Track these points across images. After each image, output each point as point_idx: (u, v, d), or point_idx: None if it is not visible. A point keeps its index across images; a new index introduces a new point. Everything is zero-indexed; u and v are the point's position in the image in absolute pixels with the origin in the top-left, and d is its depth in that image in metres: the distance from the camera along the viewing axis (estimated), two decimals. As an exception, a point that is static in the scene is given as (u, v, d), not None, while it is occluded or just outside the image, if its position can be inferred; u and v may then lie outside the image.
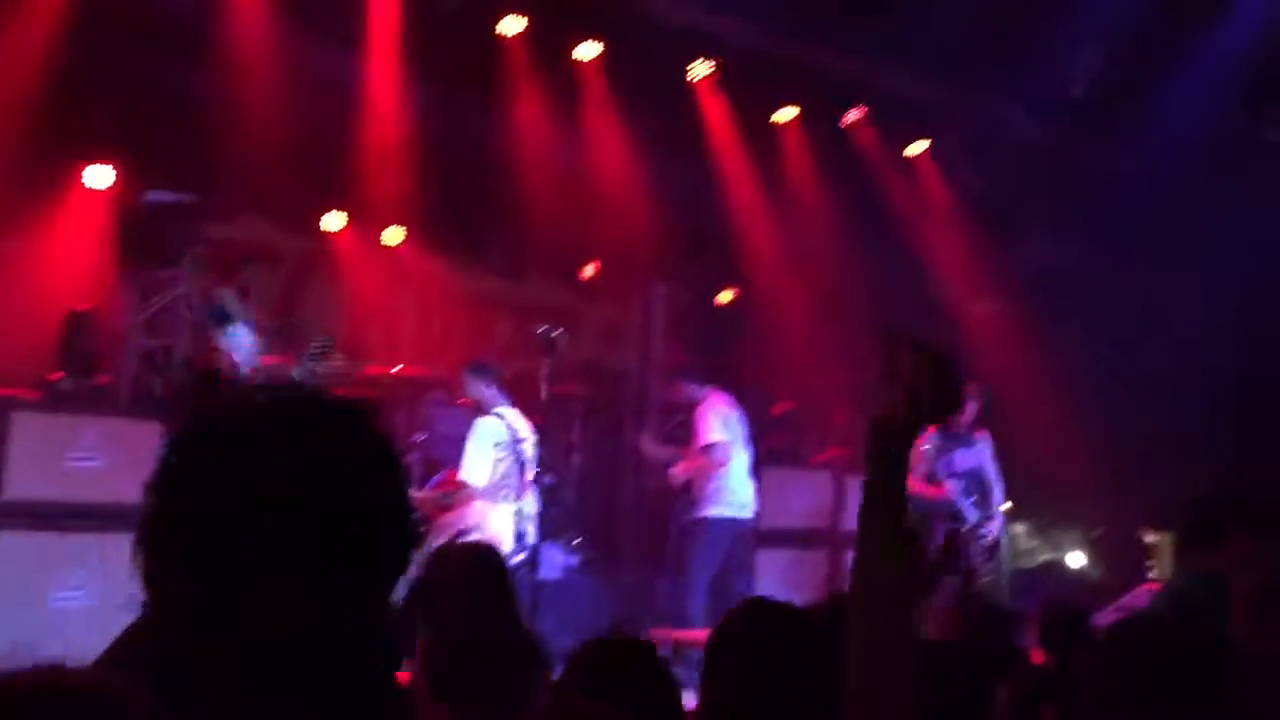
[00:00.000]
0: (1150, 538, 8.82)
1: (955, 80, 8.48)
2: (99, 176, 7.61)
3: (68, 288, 7.36)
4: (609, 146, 8.53)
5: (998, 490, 7.58)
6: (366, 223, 8.86)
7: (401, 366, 8.19)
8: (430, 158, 8.03)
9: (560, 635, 6.20)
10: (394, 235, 9.04)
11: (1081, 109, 8.48)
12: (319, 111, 7.57)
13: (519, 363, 7.83)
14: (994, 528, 7.53)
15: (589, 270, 9.81)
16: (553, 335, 5.96)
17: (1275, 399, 8.72)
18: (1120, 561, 9.15)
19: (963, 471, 7.55)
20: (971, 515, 7.42)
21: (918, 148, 9.30)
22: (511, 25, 7.92)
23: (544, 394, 5.95)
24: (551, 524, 6.92)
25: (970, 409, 7.55)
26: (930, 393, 1.59)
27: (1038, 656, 4.08)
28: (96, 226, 7.60)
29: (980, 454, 7.61)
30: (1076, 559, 10.09)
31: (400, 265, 9.13)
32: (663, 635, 6.02)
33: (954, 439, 7.53)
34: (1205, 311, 9.31)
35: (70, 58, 6.66)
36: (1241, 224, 8.86)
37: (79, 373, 6.93)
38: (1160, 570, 8.12)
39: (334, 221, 8.84)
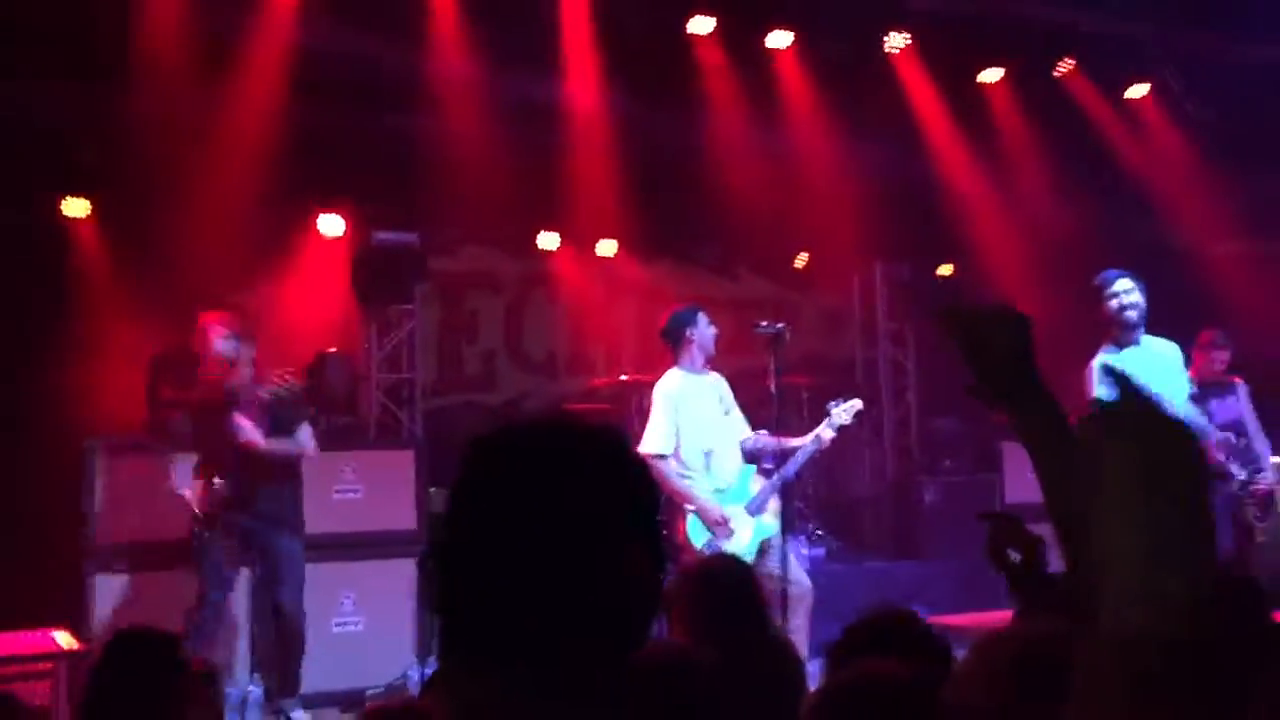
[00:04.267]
0: None
1: (1169, 13, 7.99)
2: (331, 225, 8.05)
3: (312, 330, 7.83)
4: (811, 132, 8.43)
5: (1261, 441, 7.06)
6: (579, 238, 9.06)
7: (626, 376, 8.32)
8: (635, 167, 8.14)
9: (814, 627, 6.17)
10: (607, 248, 9.21)
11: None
12: (526, 138, 7.79)
13: (740, 359, 7.84)
14: (1266, 480, 7.02)
15: (801, 260, 9.72)
16: (776, 329, 5.91)
17: None
18: None
19: (1221, 424, 7.07)
20: (1239, 472, 6.95)
21: (1139, 90, 8.80)
22: (701, 24, 7.94)
23: (773, 388, 5.90)
24: (792, 517, 6.88)
25: (1221, 356, 7.08)
26: (979, 352, 1.59)
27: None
28: (333, 271, 8.04)
29: (1238, 404, 7.12)
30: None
31: (615, 276, 9.29)
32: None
33: (1208, 389, 7.07)
34: None
35: (295, 114, 7.07)
36: None
37: (330, 410, 7.35)
38: None
39: (549, 241, 9.07)
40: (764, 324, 5.94)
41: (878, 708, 1.76)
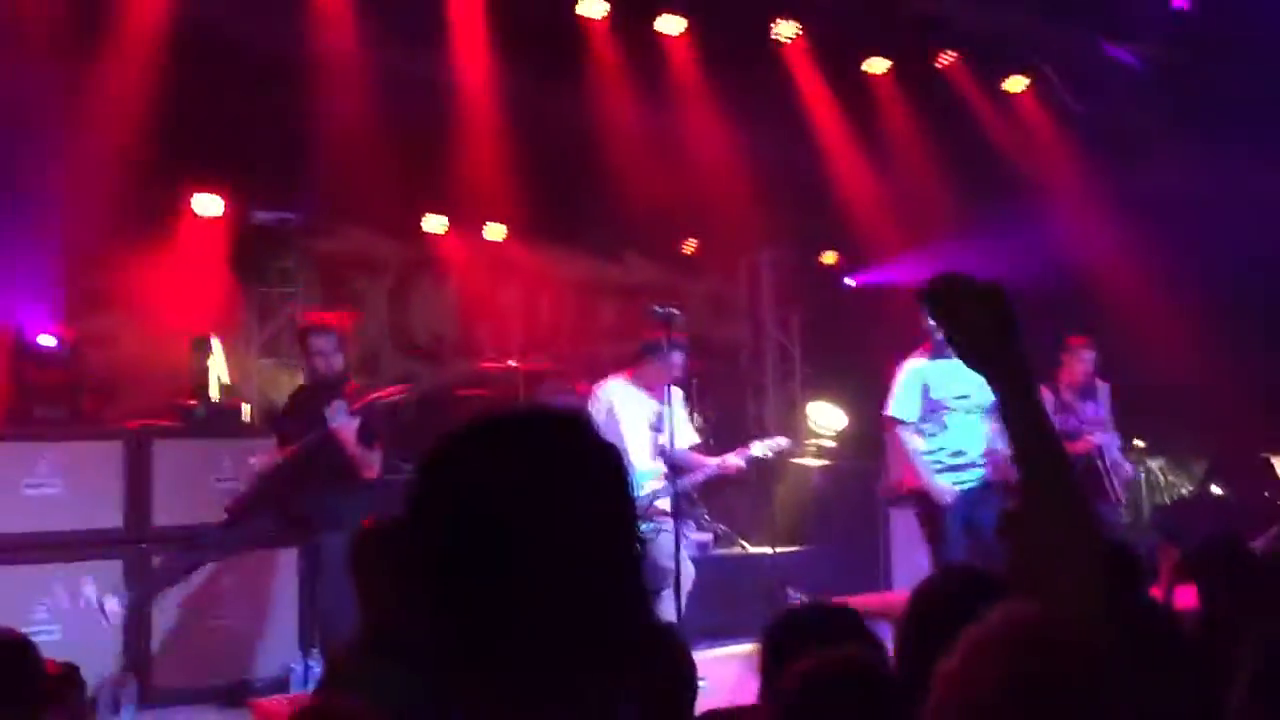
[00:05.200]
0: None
1: (1050, 10, 8.21)
2: (207, 204, 7.77)
3: (189, 314, 7.55)
4: (700, 117, 8.43)
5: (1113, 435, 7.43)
6: (466, 221, 8.92)
7: (514, 361, 8.23)
8: (523, 149, 8.03)
9: (703, 611, 6.20)
10: (494, 231, 9.08)
11: (1189, 27, 8.15)
12: (411, 116, 7.62)
13: (630, 344, 7.81)
14: (1126, 466, 7.46)
15: (689, 245, 9.74)
16: (669, 312, 5.93)
17: None
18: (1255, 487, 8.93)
19: (1090, 422, 7.39)
20: (1112, 454, 7.28)
21: (1017, 84, 9.03)
22: (592, 7, 7.87)
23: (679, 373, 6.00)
24: (683, 504, 6.90)
25: (1088, 358, 7.33)
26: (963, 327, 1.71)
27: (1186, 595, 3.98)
28: (210, 252, 7.76)
29: (1102, 405, 7.43)
30: (1219, 488, 9.82)
31: (503, 260, 9.18)
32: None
33: (1076, 393, 7.34)
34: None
35: (168, 91, 6.79)
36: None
37: (209, 396, 7.09)
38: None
39: (435, 223, 8.91)
40: (658, 308, 5.96)
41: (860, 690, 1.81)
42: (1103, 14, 8.31)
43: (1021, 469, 1.64)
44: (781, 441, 6.33)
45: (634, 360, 6.17)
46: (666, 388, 6.01)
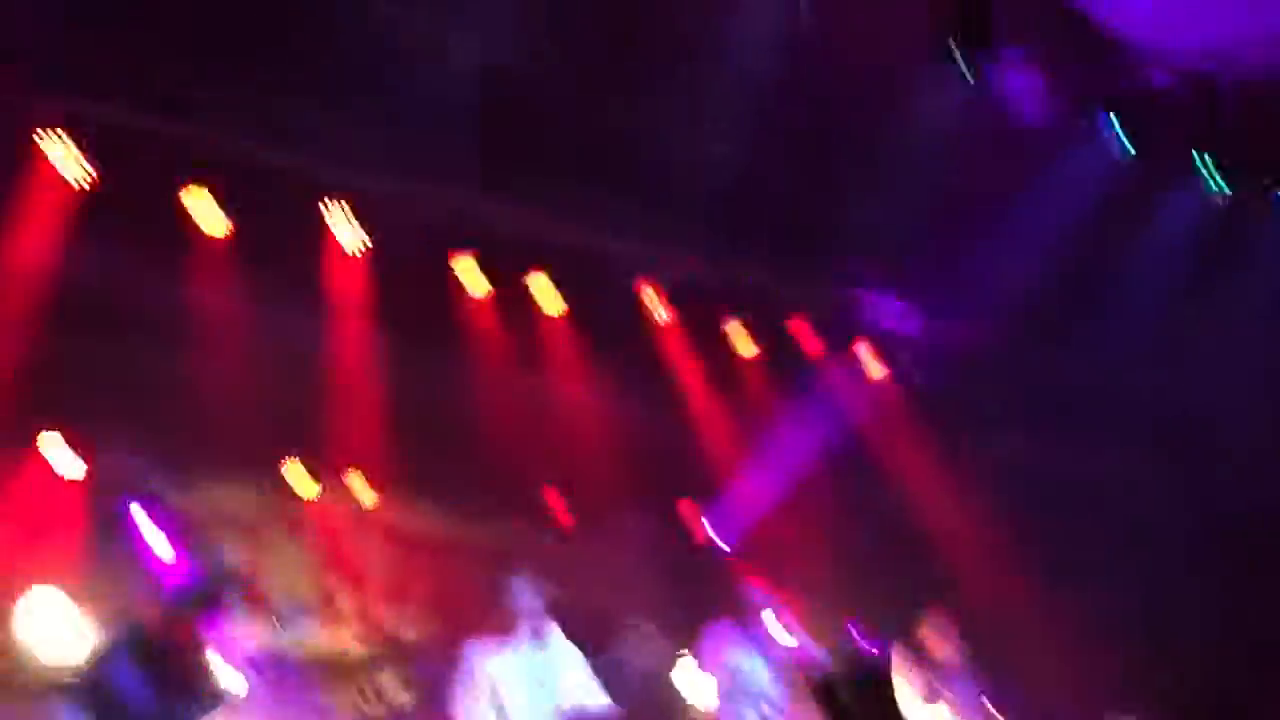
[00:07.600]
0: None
1: (900, 290, 8.86)
2: (67, 465, 7.45)
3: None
4: (573, 385, 8.68)
5: None
6: (336, 482, 8.78)
7: (383, 627, 7.96)
8: (399, 413, 8.07)
9: None
10: (364, 493, 8.93)
11: (1026, 315, 8.86)
12: (284, 376, 7.63)
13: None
14: None
15: (562, 511, 9.71)
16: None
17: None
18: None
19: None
20: None
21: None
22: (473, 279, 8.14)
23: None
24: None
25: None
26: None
27: None
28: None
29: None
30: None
31: (373, 522, 8.99)
32: None
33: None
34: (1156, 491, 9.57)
35: (39, 342, 6.67)
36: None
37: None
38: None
39: (303, 484, 8.72)
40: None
41: None
42: (939, 296, 9.00)
43: None
44: None
45: None
46: None
